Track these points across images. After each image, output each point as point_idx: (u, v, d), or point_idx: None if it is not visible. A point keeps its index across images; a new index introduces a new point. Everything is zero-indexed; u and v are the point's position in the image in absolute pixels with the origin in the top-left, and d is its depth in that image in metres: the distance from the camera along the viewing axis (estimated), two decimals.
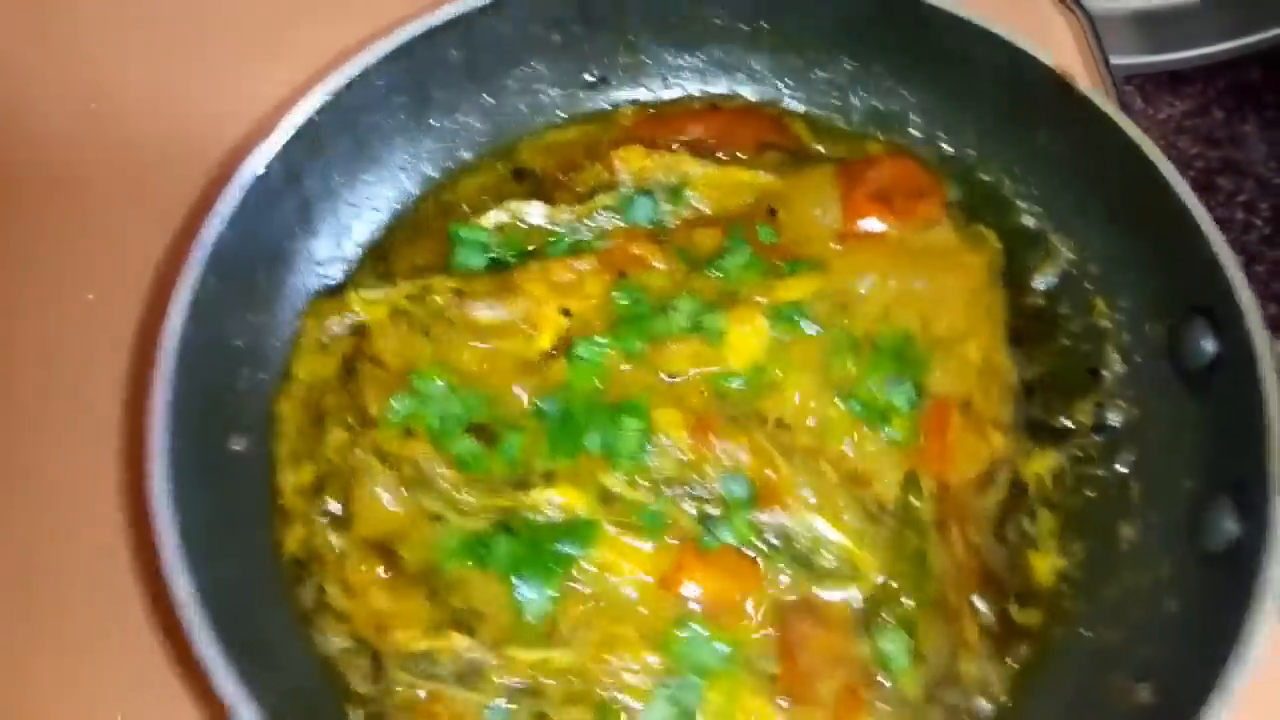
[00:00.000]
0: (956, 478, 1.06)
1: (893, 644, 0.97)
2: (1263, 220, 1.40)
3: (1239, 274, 0.98)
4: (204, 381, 1.00)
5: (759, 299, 1.10)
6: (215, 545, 0.93)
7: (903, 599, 0.99)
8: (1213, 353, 1.01)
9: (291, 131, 1.08)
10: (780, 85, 1.31)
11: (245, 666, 0.86)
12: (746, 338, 1.08)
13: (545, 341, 1.11)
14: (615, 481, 1.02)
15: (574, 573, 0.98)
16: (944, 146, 1.27)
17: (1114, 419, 1.10)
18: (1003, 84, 1.18)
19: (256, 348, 1.10)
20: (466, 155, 1.27)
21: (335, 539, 1.03)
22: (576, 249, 1.17)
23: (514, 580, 0.98)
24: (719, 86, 1.32)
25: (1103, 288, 1.15)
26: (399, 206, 1.25)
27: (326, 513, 1.04)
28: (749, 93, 1.32)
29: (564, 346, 1.10)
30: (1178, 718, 0.84)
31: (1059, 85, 1.12)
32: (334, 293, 1.16)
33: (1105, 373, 1.12)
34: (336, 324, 1.14)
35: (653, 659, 0.96)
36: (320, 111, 1.10)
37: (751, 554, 1.00)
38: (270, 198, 1.09)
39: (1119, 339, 1.12)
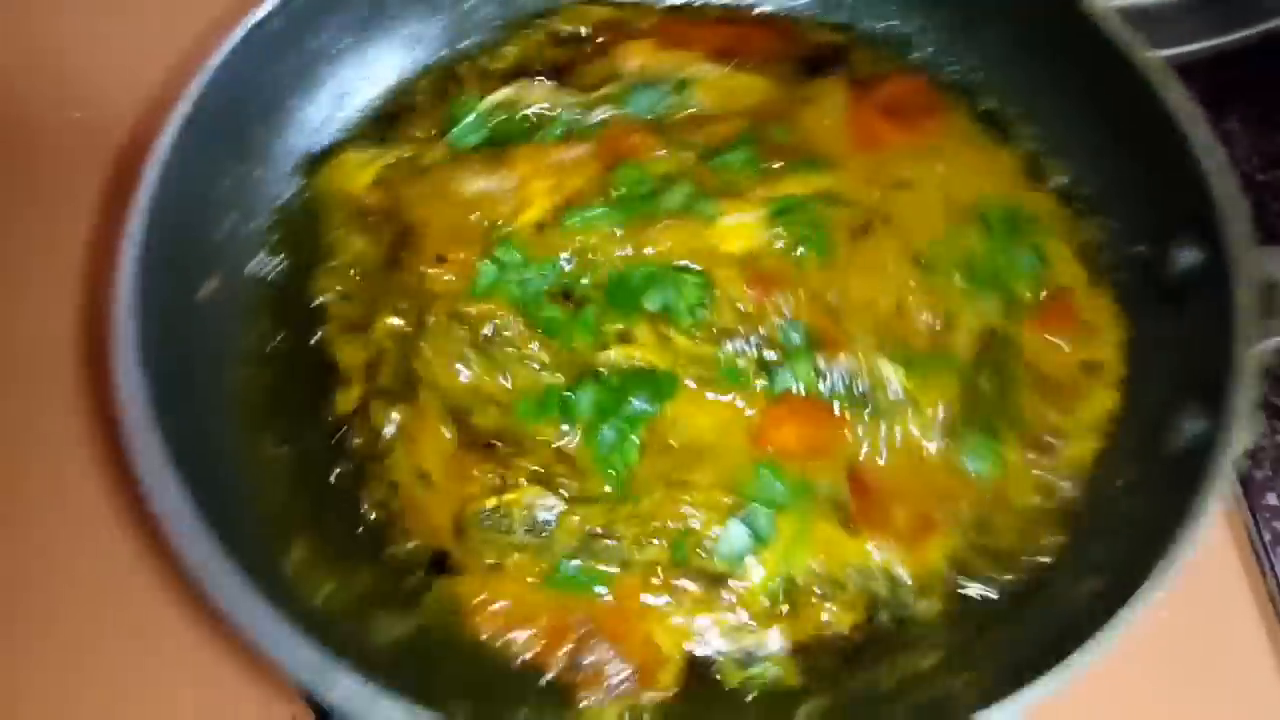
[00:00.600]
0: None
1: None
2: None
3: (1231, 182, 0.99)
4: (183, 224, 1.04)
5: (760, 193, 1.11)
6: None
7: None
8: (1194, 263, 1.02)
9: None
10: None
11: None
12: (738, 228, 1.08)
13: (533, 214, 1.11)
14: (680, 336, 1.05)
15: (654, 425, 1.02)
16: (949, 70, 1.28)
17: None
18: (1009, 7, 1.20)
19: (243, 197, 1.13)
20: (478, 36, 1.30)
21: (395, 412, 1.05)
22: (573, 135, 1.18)
23: (598, 431, 1.01)
24: None
25: (1094, 210, 1.16)
26: (407, 77, 1.27)
27: (382, 390, 1.07)
28: (769, 6, 1.33)
29: (554, 218, 1.10)
30: (1120, 602, 0.85)
31: (1067, 5, 1.12)
32: (326, 154, 1.19)
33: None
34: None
35: (727, 499, 1.00)
36: None
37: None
38: (273, 47, 1.11)
39: (1105, 258, 1.13)
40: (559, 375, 1.04)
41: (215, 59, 1.06)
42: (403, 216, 1.13)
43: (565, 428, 1.02)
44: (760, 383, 1.04)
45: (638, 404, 1.02)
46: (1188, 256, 1.02)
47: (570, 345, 1.05)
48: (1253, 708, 1.13)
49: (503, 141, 1.18)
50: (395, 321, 1.08)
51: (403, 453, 1.04)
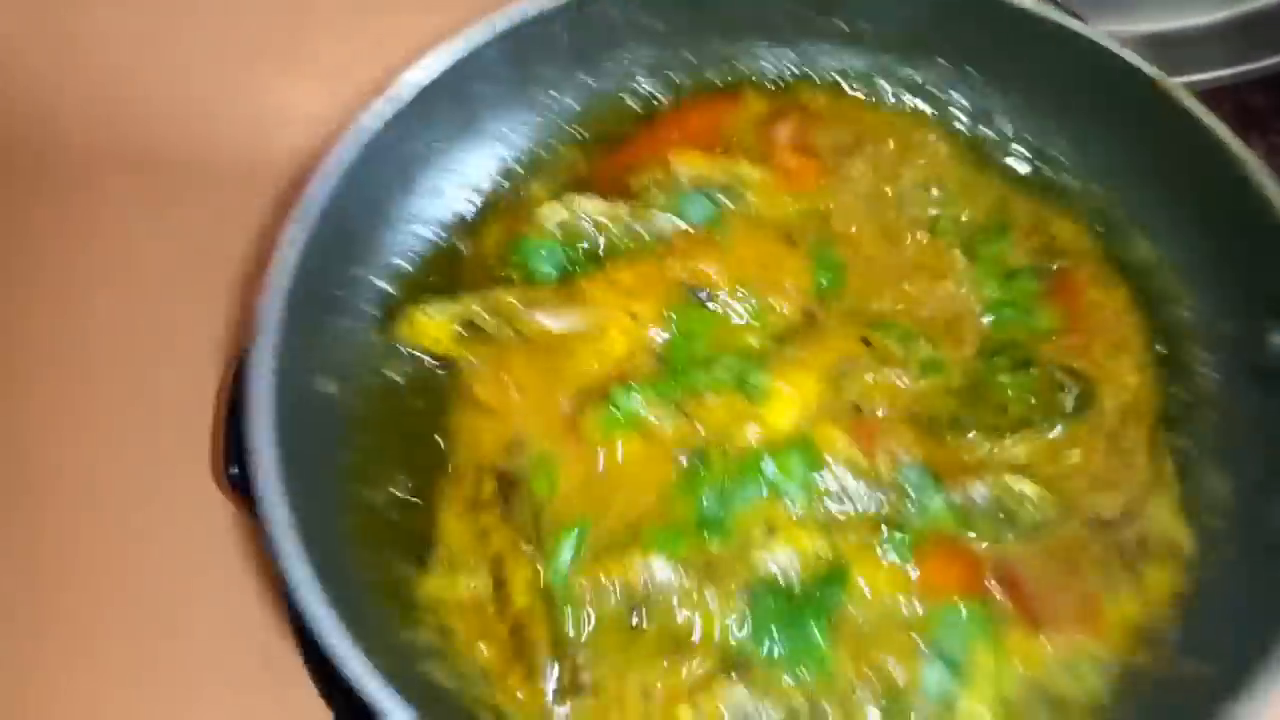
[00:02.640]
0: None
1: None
2: None
3: None
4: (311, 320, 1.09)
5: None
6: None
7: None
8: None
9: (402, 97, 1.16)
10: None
11: None
12: (790, 399, 1.12)
13: (619, 347, 1.16)
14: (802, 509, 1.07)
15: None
16: (1029, 153, 1.33)
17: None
18: (1086, 88, 1.25)
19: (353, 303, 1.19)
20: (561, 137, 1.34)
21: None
22: (635, 253, 1.22)
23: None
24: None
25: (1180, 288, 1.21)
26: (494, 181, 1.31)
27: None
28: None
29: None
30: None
31: (1146, 84, 1.19)
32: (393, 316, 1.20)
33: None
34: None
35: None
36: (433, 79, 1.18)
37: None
38: (378, 156, 1.16)
39: (1196, 336, 1.19)
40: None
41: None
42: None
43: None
44: (901, 535, 1.06)
45: (822, 600, 1.03)
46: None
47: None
48: None
49: (572, 271, 1.22)
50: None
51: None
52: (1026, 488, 1.07)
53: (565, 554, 1.06)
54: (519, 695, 1.02)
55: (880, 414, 1.12)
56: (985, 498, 1.08)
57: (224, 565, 1.28)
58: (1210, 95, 1.50)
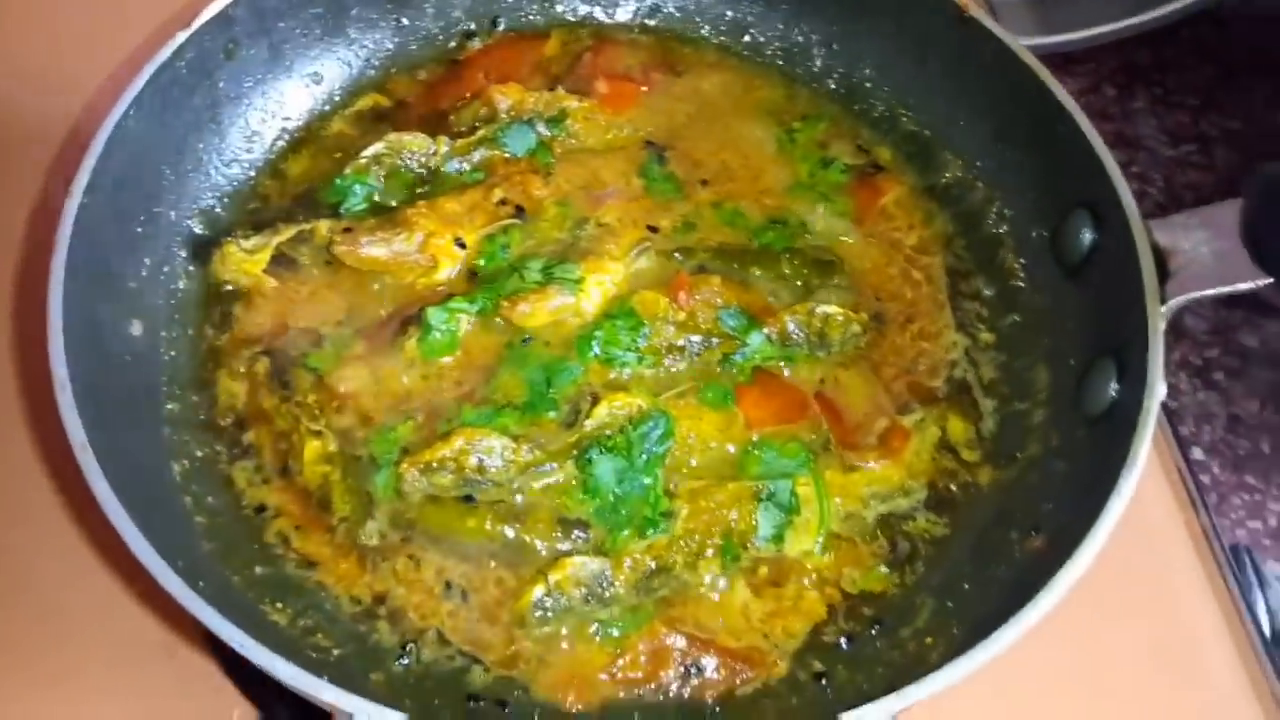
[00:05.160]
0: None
1: None
2: (1156, 189, 1.59)
3: (1114, 164, 1.11)
4: (103, 258, 1.08)
5: None
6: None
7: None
8: (1090, 243, 1.15)
9: (206, 19, 1.17)
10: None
11: None
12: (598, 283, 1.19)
13: (440, 273, 1.20)
14: (639, 369, 1.15)
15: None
16: (843, 77, 1.39)
17: (1012, 317, 1.23)
18: (895, 15, 1.33)
19: (157, 238, 1.17)
20: (373, 74, 1.37)
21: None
22: (461, 183, 1.26)
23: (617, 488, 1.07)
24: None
25: (989, 200, 1.29)
26: (309, 117, 1.33)
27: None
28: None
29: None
30: (1063, 556, 0.93)
31: (952, 11, 1.26)
32: (208, 245, 1.21)
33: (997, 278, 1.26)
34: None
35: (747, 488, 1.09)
36: (235, 6, 1.19)
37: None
38: (179, 90, 1.17)
39: (1009, 244, 1.26)
40: (558, 462, 1.09)
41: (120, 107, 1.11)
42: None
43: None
44: (730, 371, 1.15)
45: (651, 447, 1.09)
46: (1085, 235, 1.15)
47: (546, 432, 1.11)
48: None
49: (388, 205, 1.25)
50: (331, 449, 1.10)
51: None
52: (830, 309, 1.18)
53: (391, 451, 1.10)
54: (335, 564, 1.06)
55: (690, 270, 1.20)
56: (797, 327, 1.18)
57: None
58: (1097, 52, 1.65)
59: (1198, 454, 1.35)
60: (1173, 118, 1.72)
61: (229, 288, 1.19)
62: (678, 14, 1.43)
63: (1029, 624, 0.88)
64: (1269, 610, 1.25)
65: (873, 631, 1.04)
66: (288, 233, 1.20)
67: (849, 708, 0.87)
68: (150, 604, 1.17)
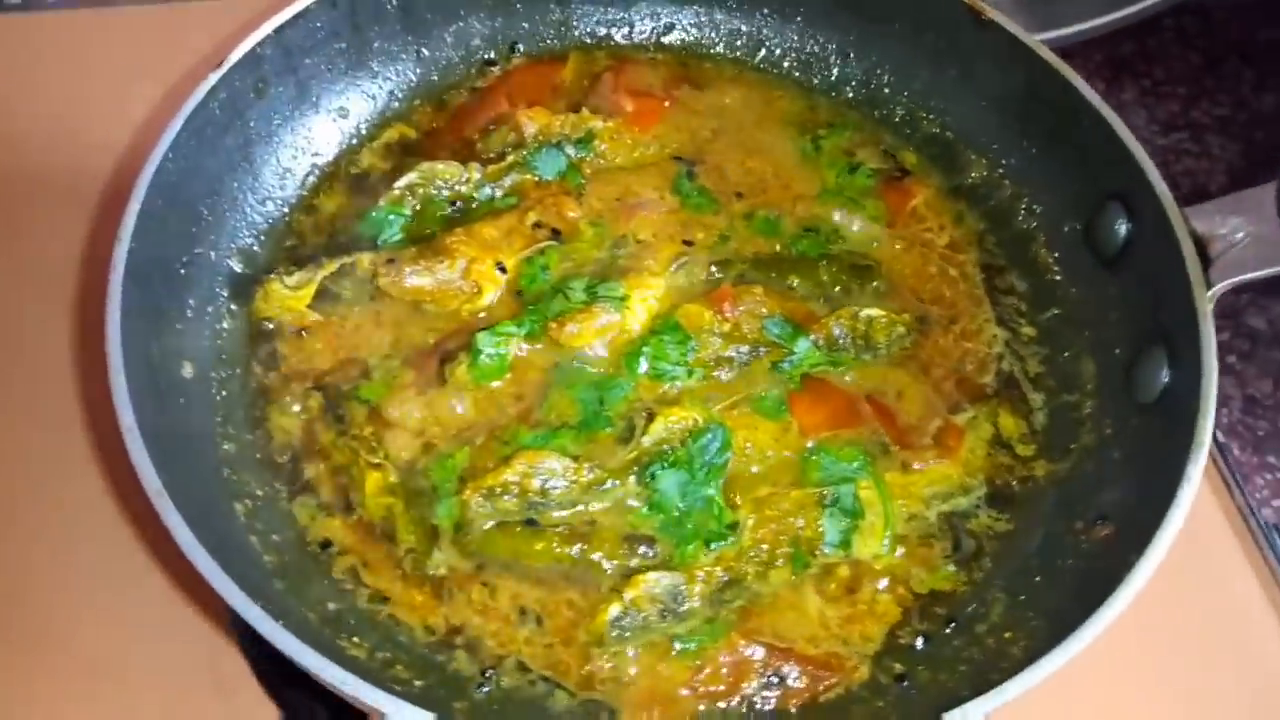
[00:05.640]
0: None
1: None
2: None
3: (1144, 155, 1.13)
4: (152, 303, 1.07)
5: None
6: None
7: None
8: (1125, 234, 1.16)
9: (237, 59, 1.16)
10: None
11: None
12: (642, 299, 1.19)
13: (485, 299, 1.19)
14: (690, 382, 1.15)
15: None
16: (861, 84, 1.40)
17: (1051, 311, 1.23)
18: (910, 20, 1.33)
19: (199, 279, 1.16)
20: (397, 105, 1.36)
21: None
22: (495, 208, 1.26)
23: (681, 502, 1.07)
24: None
25: (1019, 196, 1.29)
26: (338, 151, 1.32)
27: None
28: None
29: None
30: (1134, 545, 0.94)
31: (970, 13, 1.27)
32: (249, 283, 1.20)
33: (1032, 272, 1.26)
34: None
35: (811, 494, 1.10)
36: (263, 45, 1.18)
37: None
38: (213, 130, 1.16)
39: (1041, 239, 1.27)
40: (620, 479, 1.08)
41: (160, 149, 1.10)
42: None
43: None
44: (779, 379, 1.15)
45: (711, 458, 1.09)
46: (1119, 227, 1.16)
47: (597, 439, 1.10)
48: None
49: (424, 234, 1.24)
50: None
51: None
52: (874, 312, 1.19)
53: (451, 479, 1.08)
54: (407, 596, 1.05)
55: (730, 282, 1.20)
56: (843, 332, 1.18)
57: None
58: (1083, 46, 1.65)
59: (1218, 437, 1.36)
60: (1163, 108, 1.74)
61: (272, 325, 1.18)
62: (692, 31, 1.43)
63: (1115, 614, 0.88)
64: None
65: (948, 630, 1.04)
66: (331, 267, 1.19)
67: (939, 707, 0.86)
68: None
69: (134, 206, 1.05)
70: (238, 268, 1.20)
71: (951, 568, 1.08)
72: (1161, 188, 1.10)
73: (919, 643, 1.04)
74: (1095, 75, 1.73)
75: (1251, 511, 1.31)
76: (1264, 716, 1.21)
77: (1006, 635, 1.01)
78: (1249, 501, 1.32)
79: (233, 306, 1.18)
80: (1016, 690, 0.85)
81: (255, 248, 1.23)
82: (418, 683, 0.98)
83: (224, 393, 1.13)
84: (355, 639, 1.00)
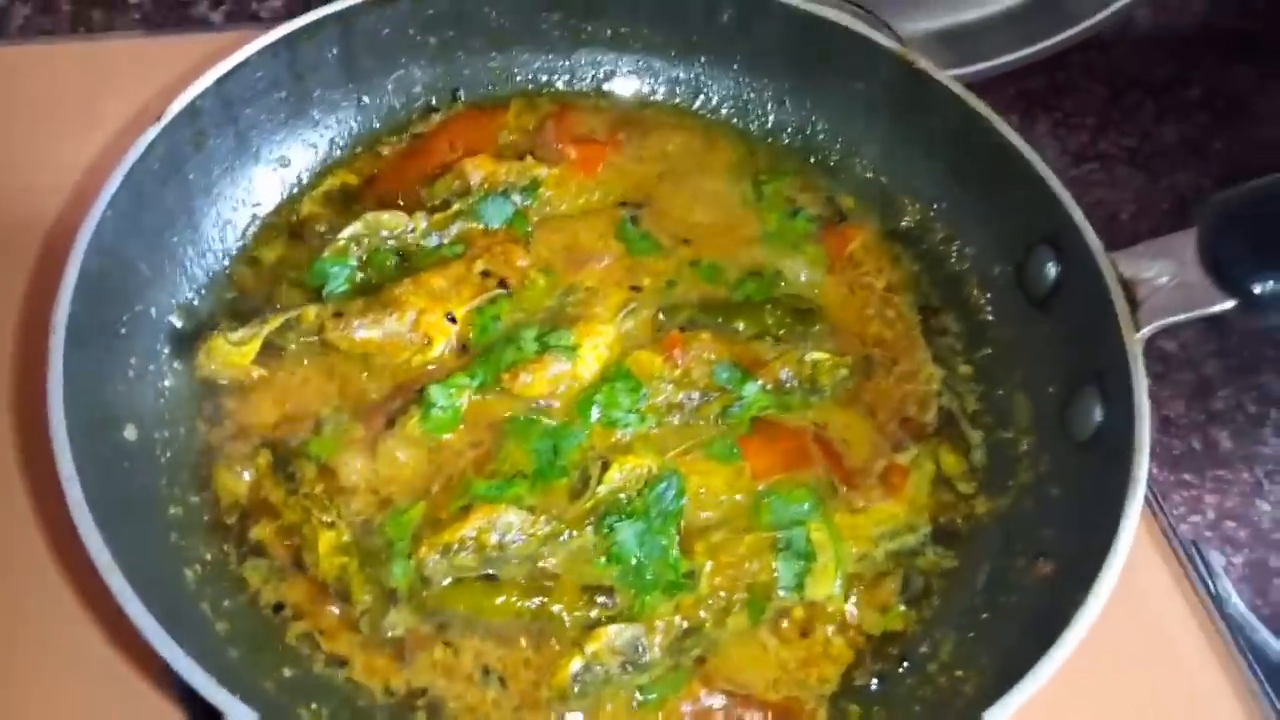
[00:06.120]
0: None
1: None
2: None
3: (1072, 201, 1.16)
4: (94, 364, 1.04)
5: None
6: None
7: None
8: (1055, 276, 1.19)
9: (175, 112, 1.13)
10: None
11: None
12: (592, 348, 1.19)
13: (435, 350, 1.18)
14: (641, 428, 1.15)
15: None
16: (796, 131, 1.41)
17: (984, 350, 1.25)
18: (842, 68, 1.35)
19: (140, 337, 1.13)
20: (339, 153, 1.34)
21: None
22: (442, 257, 1.25)
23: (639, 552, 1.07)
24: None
25: (950, 240, 1.32)
26: (279, 201, 1.30)
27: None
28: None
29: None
30: (1078, 583, 0.96)
31: (900, 63, 1.29)
32: (190, 339, 1.17)
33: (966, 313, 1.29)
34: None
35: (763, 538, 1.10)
36: (202, 97, 1.15)
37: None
38: (152, 185, 1.13)
39: (973, 280, 1.29)
40: (576, 529, 1.08)
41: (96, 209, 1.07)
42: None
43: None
44: (728, 423, 1.16)
45: (666, 506, 1.09)
46: (1049, 269, 1.18)
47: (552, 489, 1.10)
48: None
49: (375, 281, 1.23)
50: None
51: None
52: (818, 355, 1.20)
53: (405, 536, 1.07)
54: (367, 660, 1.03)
55: (679, 329, 1.20)
56: (789, 375, 1.20)
57: None
58: (995, 81, 1.72)
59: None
60: (1074, 139, 1.81)
61: (217, 382, 1.14)
62: (633, 79, 1.43)
63: (1065, 654, 0.90)
64: (1216, 595, 1.32)
65: (900, 670, 1.05)
66: (275, 321, 1.16)
67: None
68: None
69: (73, 270, 1.02)
70: (179, 323, 1.17)
71: (902, 607, 1.09)
72: (1089, 232, 1.13)
73: (874, 684, 1.05)
74: (1010, 108, 1.79)
75: (1173, 530, 1.36)
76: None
77: (958, 674, 1.03)
78: (1169, 521, 1.37)
79: (175, 364, 1.14)
80: None
81: (196, 302, 1.19)
82: None
83: (168, 453, 1.10)
84: (314, 705, 0.97)
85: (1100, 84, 1.88)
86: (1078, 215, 1.14)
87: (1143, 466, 0.99)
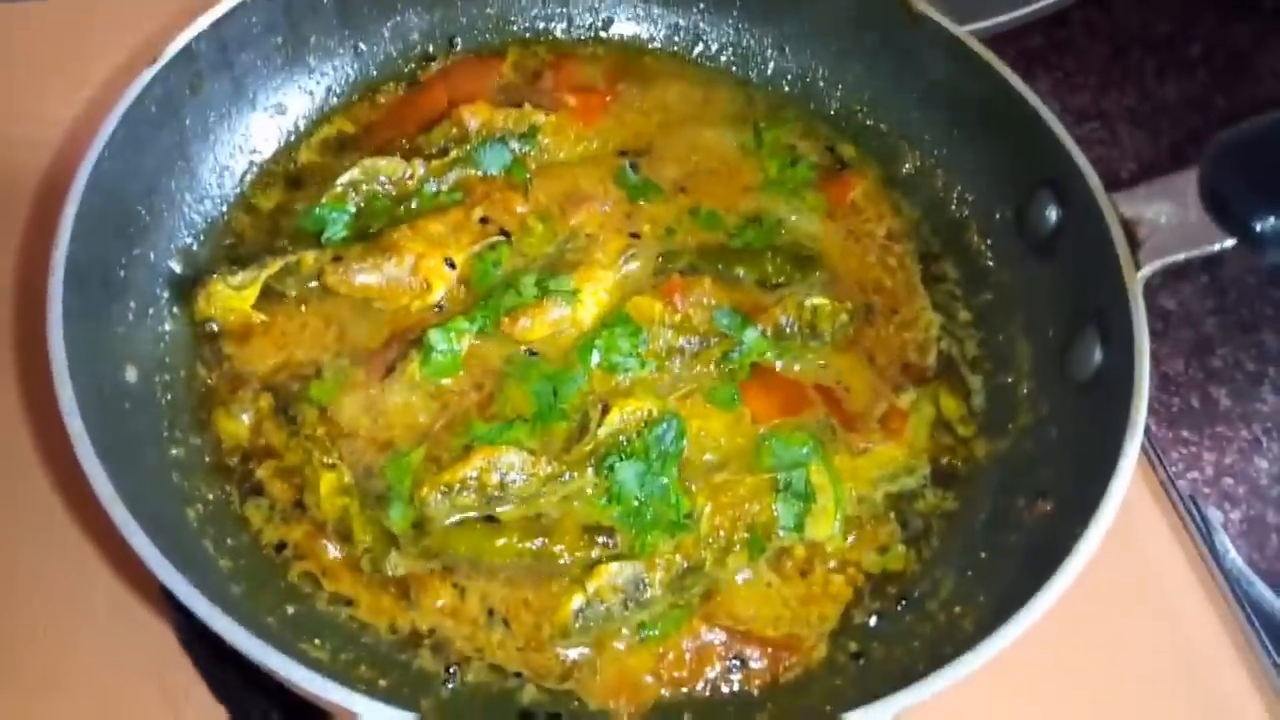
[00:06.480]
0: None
1: None
2: None
3: (1073, 143, 1.15)
4: (92, 306, 1.03)
5: None
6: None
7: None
8: (1055, 220, 1.18)
9: (171, 55, 1.12)
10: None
11: None
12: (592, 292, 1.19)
13: (434, 295, 1.18)
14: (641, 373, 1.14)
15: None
16: (796, 78, 1.40)
17: (984, 296, 1.25)
18: (844, 15, 1.34)
19: (139, 281, 1.12)
20: (335, 101, 1.33)
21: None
22: (440, 204, 1.24)
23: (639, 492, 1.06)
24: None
25: (950, 186, 1.31)
26: (276, 148, 1.29)
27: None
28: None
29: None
30: (1077, 519, 0.96)
31: (900, 7, 1.28)
32: (190, 284, 1.16)
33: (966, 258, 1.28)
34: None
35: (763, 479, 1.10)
36: (198, 40, 1.14)
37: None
38: (149, 128, 1.11)
39: (973, 226, 1.29)
40: (577, 471, 1.07)
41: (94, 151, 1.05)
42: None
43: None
44: (729, 369, 1.16)
45: (666, 447, 1.08)
46: (1049, 213, 1.18)
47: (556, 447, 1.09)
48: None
49: (373, 228, 1.22)
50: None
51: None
52: (819, 300, 1.20)
53: (405, 480, 1.06)
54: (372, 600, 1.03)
55: (678, 274, 1.20)
56: (789, 321, 1.19)
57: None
58: (995, 40, 1.66)
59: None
60: (1075, 98, 1.79)
61: (216, 326, 1.14)
62: (631, 25, 1.42)
63: (1063, 586, 0.90)
64: (1214, 549, 1.32)
65: (899, 608, 1.06)
66: (275, 266, 1.15)
67: (893, 683, 0.87)
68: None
69: (71, 209, 1.01)
70: (178, 269, 1.16)
71: (901, 547, 1.09)
72: (1090, 174, 1.12)
73: (873, 621, 1.05)
74: (1010, 68, 1.77)
75: (1171, 483, 1.36)
76: (1185, 678, 1.24)
77: (957, 610, 1.03)
78: (1168, 474, 1.37)
79: (174, 308, 1.14)
80: (969, 666, 0.86)
81: (195, 248, 1.19)
82: (381, 682, 0.96)
83: (169, 396, 1.10)
84: (316, 641, 0.97)
85: (1101, 42, 1.86)
86: (1079, 156, 1.14)
87: (1142, 404, 0.99)
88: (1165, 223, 1.08)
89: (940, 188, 1.31)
